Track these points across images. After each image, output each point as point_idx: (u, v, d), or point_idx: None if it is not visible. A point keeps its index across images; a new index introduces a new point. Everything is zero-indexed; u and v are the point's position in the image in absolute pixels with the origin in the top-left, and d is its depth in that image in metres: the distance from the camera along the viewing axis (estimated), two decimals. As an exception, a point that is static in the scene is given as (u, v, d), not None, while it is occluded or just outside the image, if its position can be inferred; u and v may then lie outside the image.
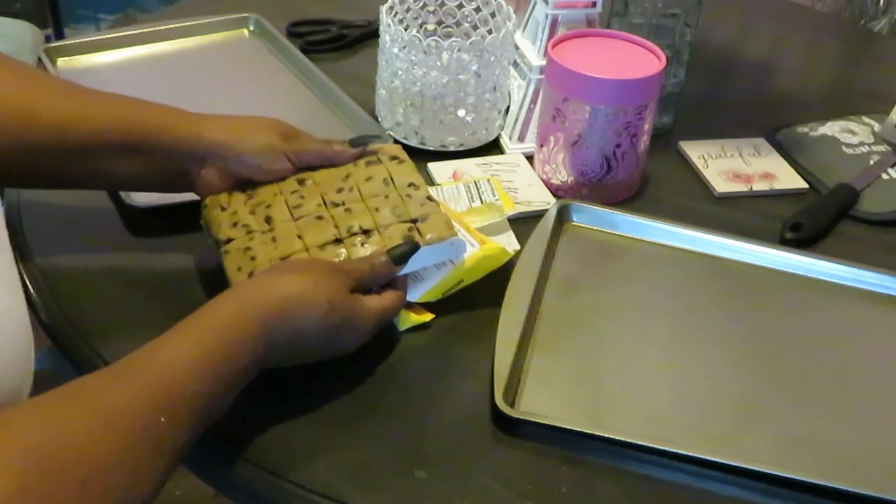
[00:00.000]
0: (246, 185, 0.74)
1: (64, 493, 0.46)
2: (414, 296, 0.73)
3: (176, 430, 0.53)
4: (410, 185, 0.73)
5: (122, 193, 0.82)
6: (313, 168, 0.75)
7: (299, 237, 0.70)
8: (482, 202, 0.83)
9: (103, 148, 0.70)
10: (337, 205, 0.72)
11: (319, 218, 0.71)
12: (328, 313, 0.62)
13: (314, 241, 0.70)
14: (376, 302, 0.67)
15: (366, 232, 0.70)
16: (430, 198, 0.73)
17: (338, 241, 0.70)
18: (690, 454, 0.64)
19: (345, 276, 0.65)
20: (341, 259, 0.68)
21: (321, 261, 0.68)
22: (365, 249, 0.69)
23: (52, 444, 0.47)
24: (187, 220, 0.81)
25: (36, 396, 0.51)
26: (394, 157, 0.76)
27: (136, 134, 0.70)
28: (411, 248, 0.68)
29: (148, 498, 0.51)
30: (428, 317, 0.73)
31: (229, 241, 0.71)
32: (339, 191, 0.73)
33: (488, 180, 0.86)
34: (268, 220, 0.71)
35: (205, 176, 0.73)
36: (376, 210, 0.71)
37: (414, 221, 0.71)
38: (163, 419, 0.52)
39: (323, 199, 0.73)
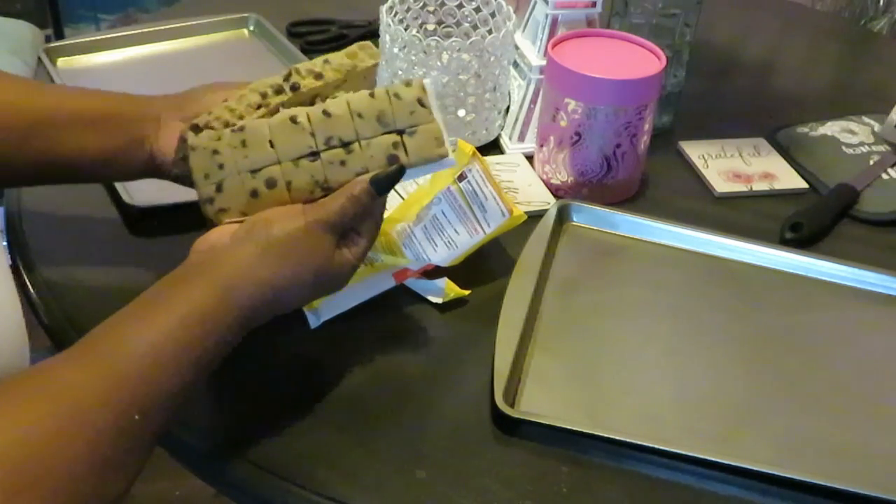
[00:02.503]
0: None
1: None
2: (445, 261, 0.76)
3: (150, 425, 0.52)
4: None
5: (123, 193, 0.82)
6: None
7: (271, 143, 0.64)
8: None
9: (60, 120, 0.69)
10: (312, 100, 0.67)
11: (294, 121, 0.64)
12: (313, 289, 0.62)
13: (287, 153, 0.64)
14: (353, 253, 0.63)
15: (345, 144, 0.64)
16: (421, 101, 0.64)
17: (314, 154, 0.64)
18: (690, 454, 0.64)
19: (330, 231, 0.61)
20: (318, 181, 0.63)
21: (307, 221, 0.61)
22: (344, 171, 0.63)
23: (18, 454, 0.45)
24: (187, 220, 0.81)
25: None
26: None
27: (92, 104, 0.70)
28: (396, 173, 0.63)
29: (122, 493, 0.50)
30: (465, 292, 0.76)
31: (195, 126, 0.66)
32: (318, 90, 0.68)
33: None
34: (239, 117, 0.67)
35: (165, 132, 0.71)
36: (359, 115, 0.64)
37: (400, 133, 0.64)
38: (137, 416, 0.50)
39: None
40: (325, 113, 0.64)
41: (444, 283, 0.75)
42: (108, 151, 0.70)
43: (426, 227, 0.75)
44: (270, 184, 0.64)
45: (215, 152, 0.64)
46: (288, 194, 0.64)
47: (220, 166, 0.64)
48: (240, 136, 0.64)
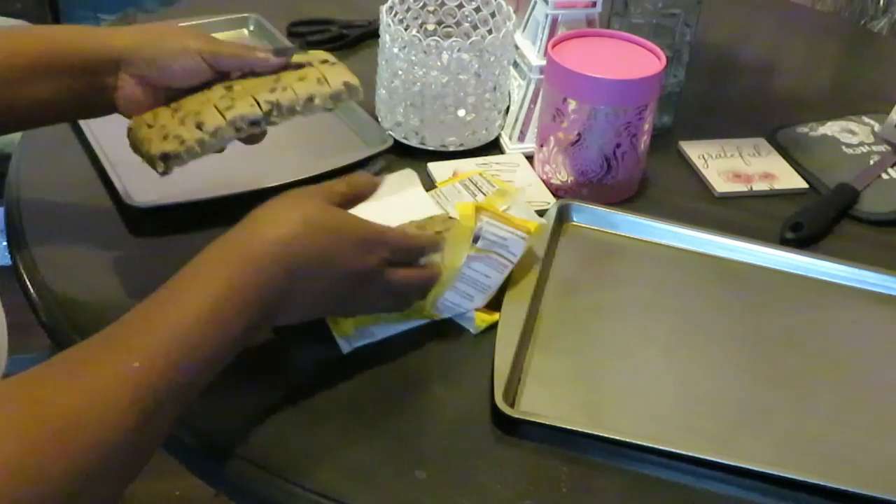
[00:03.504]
0: (170, 101, 0.72)
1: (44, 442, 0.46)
2: (483, 303, 0.74)
3: (154, 375, 0.52)
4: (346, 84, 0.74)
5: (123, 193, 0.82)
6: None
7: None
8: (484, 195, 0.84)
9: (9, 77, 0.68)
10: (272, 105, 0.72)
11: None
12: (309, 232, 0.60)
13: None
14: (403, 272, 0.66)
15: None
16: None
17: None
18: (690, 454, 0.64)
19: (321, 193, 0.64)
20: None
21: (298, 191, 0.64)
22: None
23: (26, 400, 0.48)
24: (187, 220, 0.81)
25: None
26: (324, 61, 0.76)
27: (43, 56, 0.69)
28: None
29: (124, 443, 0.50)
30: (497, 315, 0.73)
31: (165, 155, 0.69)
32: (272, 90, 0.72)
33: (480, 174, 0.87)
34: (199, 126, 0.70)
35: (122, 87, 0.71)
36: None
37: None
38: (136, 364, 0.51)
39: (256, 100, 0.71)
40: None
41: (473, 314, 0.73)
42: (70, 101, 0.70)
43: (457, 287, 0.73)
44: None
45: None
46: None
47: None
48: None
